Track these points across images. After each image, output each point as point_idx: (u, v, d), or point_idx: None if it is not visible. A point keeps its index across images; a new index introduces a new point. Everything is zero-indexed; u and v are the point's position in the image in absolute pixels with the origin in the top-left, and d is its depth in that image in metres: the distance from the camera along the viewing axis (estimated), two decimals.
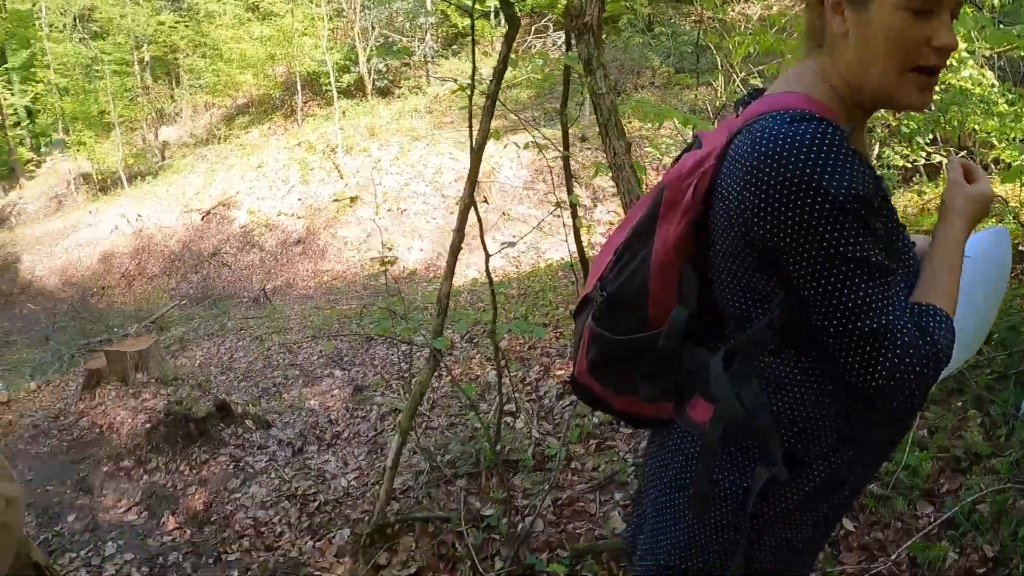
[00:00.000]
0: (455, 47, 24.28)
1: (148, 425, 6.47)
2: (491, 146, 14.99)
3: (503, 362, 3.98)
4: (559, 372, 5.46)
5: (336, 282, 15.02)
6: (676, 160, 1.46)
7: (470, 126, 3.96)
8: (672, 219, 1.39)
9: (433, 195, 16.38)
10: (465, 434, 4.74)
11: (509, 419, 4.75)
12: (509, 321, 5.30)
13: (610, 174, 3.53)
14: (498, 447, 4.16)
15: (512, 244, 4.24)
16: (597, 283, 1.55)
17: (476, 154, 3.79)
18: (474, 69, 4.00)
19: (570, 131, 4.93)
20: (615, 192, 13.28)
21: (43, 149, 32.87)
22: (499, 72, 3.81)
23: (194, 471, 5.59)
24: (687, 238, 1.38)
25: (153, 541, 4.80)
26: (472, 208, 3.83)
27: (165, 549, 4.67)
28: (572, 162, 14.79)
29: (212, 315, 13.11)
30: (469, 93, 3.99)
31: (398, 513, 4.07)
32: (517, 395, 5.14)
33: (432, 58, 23.99)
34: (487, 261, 4.05)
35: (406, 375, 6.27)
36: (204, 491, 5.22)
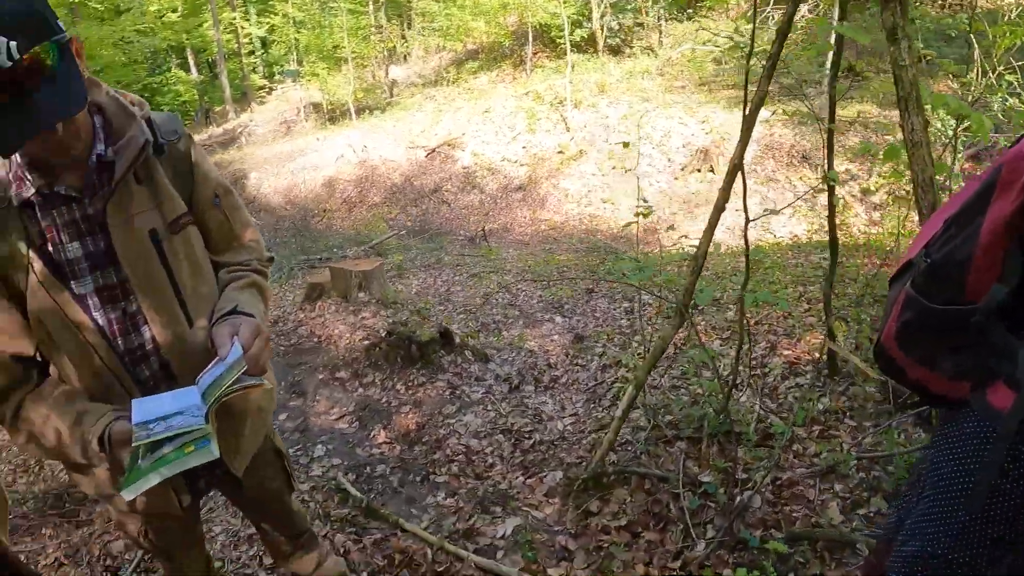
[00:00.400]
0: (689, 11, 23.85)
1: (367, 341, 6.70)
2: (723, 114, 14.72)
3: (744, 332, 3.87)
4: (785, 352, 5.30)
5: (553, 232, 15.11)
6: (1016, 142, 1.42)
7: (745, 87, 3.83)
8: (1008, 197, 1.37)
9: (659, 158, 16.19)
10: (687, 398, 4.66)
11: (732, 391, 4.64)
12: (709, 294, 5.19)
13: (899, 154, 3.34)
14: (723, 416, 4.08)
15: (775, 212, 4.10)
16: (922, 249, 1.54)
17: (750, 116, 3.66)
18: (754, 30, 3.84)
19: (808, 108, 4.72)
20: (857, 176, 12.80)
21: (276, 77, 34.57)
22: (782, 33, 3.65)
23: (410, 391, 5.74)
24: (1019, 217, 1.36)
25: (362, 451, 4.97)
26: (740, 171, 3.71)
27: (373, 460, 4.83)
28: (803, 143, 14.29)
29: (429, 248, 13.44)
30: (748, 52, 3.85)
31: (616, 464, 4.05)
32: (742, 368, 5.02)
33: (666, 20, 23.61)
34: (746, 226, 3.94)
35: (627, 331, 6.25)
36: (418, 412, 5.36)
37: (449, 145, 19.28)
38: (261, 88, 34.11)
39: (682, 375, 5.08)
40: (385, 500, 4.32)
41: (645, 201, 4.57)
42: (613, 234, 14.16)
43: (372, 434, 5.17)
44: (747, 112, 3.62)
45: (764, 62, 3.68)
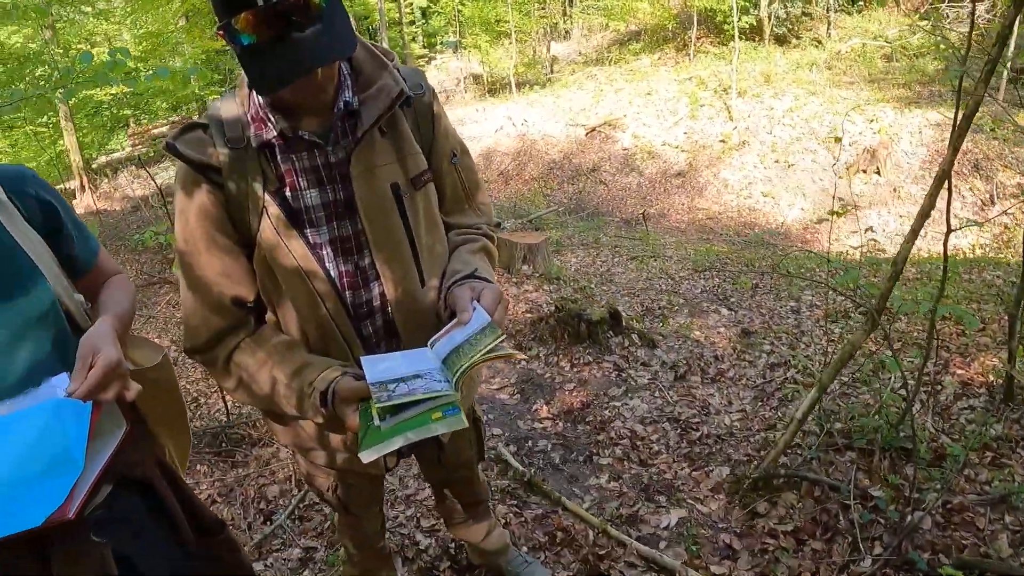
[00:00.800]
0: (859, 3, 23.03)
1: (531, 315, 6.74)
2: (893, 114, 14.18)
3: (933, 347, 3.73)
4: (959, 371, 5.10)
5: (710, 222, 14.93)
6: None
7: (959, 90, 3.66)
8: None
9: (824, 155, 15.77)
10: (860, 406, 4.53)
11: (902, 405, 4.48)
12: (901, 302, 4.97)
13: None
14: (898, 430, 3.95)
15: (979, 224, 3.94)
16: None
17: (964, 121, 3.50)
18: (971, 31, 3.67)
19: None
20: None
21: (437, 47, 35.07)
22: (1002, 36, 3.47)
23: (575, 369, 5.72)
24: None
25: (523, 424, 4.98)
26: (948, 180, 3.57)
27: (534, 434, 4.83)
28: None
29: (587, 227, 13.42)
30: (963, 55, 3.68)
31: (787, 467, 3.98)
32: (912, 382, 4.86)
33: (835, 11, 22.87)
34: (947, 236, 3.79)
35: (794, 330, 6.12)
36: (583, 391, 5.34)
37: (610, 125, 19.19)
38: (420, 57, 34.65)
39: (854, 381, 4.95)
40: (546, 476, 4.34)
41: (841, 199, 4.42)
42: (771, 229, 13.87)
43: (534, 408, 5.19)
44: (959, 118, 3.47)
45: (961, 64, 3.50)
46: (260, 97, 1.75)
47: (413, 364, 1.70)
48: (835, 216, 4.38)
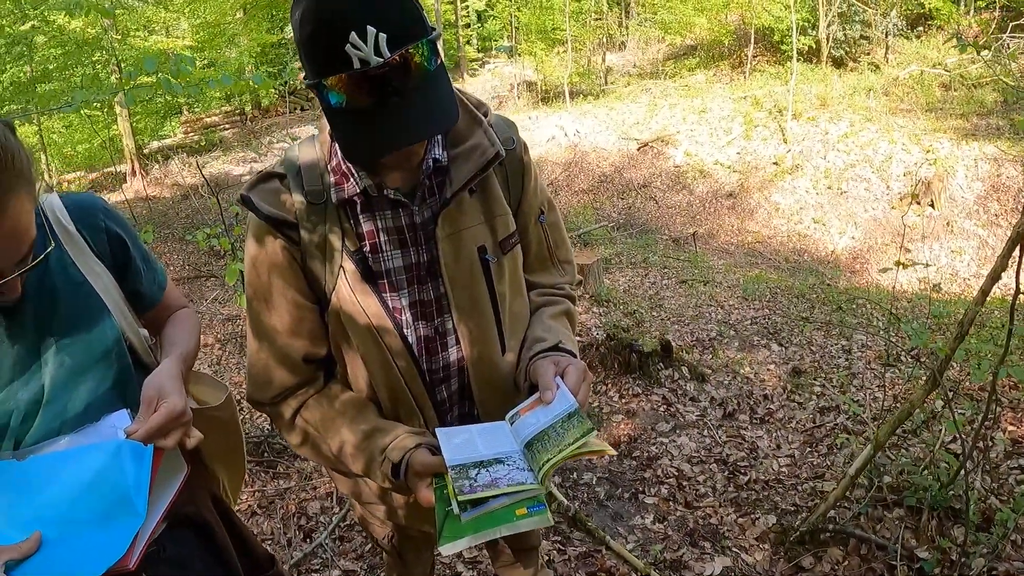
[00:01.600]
0: (919, 29, 22.73)
1: (580, 339, 6.68)
2: (950, 146, 13.91)
3: (992, 409, 3.64)
4: (1010, 427, 4.97)
5: (759, 245, 14.80)
6: None
7: None
8: None
9: (877, 184, 15.60)
10: (908, 462, 4.42)
11: (953, 462, 4.37)
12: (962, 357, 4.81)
13: None
14: (949, 490, 3.85)
15: None
16: None
17: None
18: None
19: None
20: None
21: (492, 52, 35.20)
22: None
23: (623, 401, 5.65)
24: None
25: None
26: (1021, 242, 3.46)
27: (579, 466, 4.77)
28: None
29: (636, 244, 13.35)
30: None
31: (835, 522, 3.90)
32: (968, 440, 4.74)
33: (894, 35, 22.57)
34: (1015, 298, 3.67)
35: (845, 371, 6.02)
36: (631, 424, 5.27)
37: (662, 141, 19.12)
38: (474, 60, 34.80)
39: (905, 432, 4.84)
40: (589, 511, 4.30)
41: (908, 252, 4.32)
42: (821, 257, 13.73)
43: None
44: None
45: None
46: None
47: (492, 443, 1.62)
48: (900, 267, 4.28)
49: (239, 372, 6.71)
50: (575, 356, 1.80)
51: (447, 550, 1.44)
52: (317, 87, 1.44)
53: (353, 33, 1.35)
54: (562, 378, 1.67)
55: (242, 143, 24.29)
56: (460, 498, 1.46)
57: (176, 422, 1.62)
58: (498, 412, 1.75)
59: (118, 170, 20.62)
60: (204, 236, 7.20)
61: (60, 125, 23.04)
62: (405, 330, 1.78)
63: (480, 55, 36.20)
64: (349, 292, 1.71)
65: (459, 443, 1.62)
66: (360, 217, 1.71)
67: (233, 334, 7.82)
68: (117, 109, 20.05)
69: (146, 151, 23.12)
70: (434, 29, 1.47)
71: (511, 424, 1.69)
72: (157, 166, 21.29)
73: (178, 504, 1.86)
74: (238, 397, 5.71)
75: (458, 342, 1.84)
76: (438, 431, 1.66)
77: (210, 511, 2.10)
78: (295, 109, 29.48)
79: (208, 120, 28.16)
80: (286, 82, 25.02)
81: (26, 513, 1.57)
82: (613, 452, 1.52)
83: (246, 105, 29.92)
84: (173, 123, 27.96)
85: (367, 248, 1.73)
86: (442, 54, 1.59)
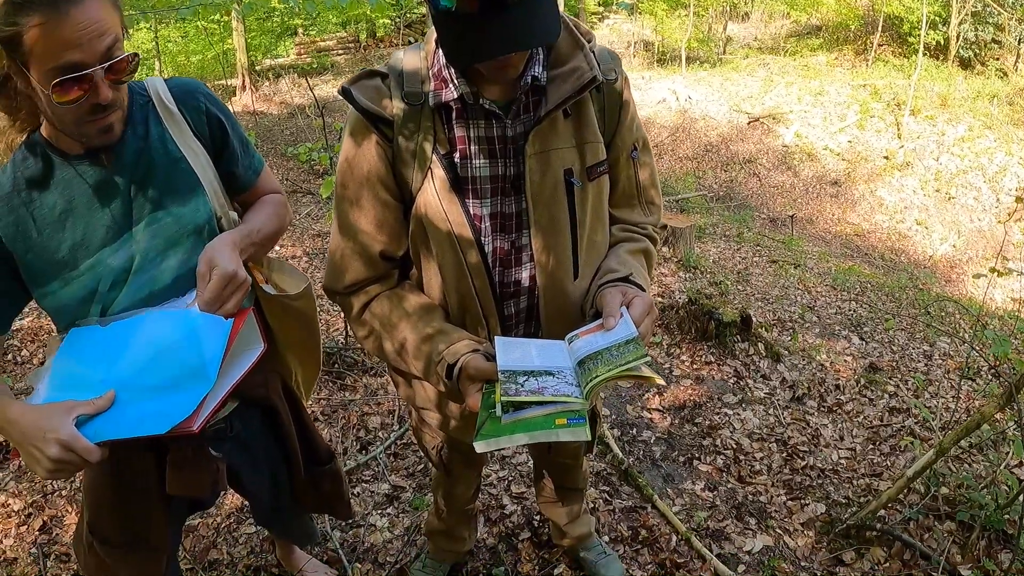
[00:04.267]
0: None
1: (662, 299, 6.65)
2: None
3: None
4: None
5: (857, 239, 14.45)
6: None
7: None
8: None
9: (988, 194, 15.11)
10: (969, 476, 4.29)
11: (1014, 484, 4.24)
12: None
13: None
14: (1005, 513, 3.74)
15: None
16: None
17: None
18: None
19: None
20: None
21: (613, 6, 34.69)
22: None
23: (695, 367, 5.62)
24: None
25: (632, 410, 4.91)
26: None
27: (640, 423, 4.78)
28: None
29: (732, 218, 13.14)
30: None
31: (884, 521, 3.84)
32: None
33: None
34: None
35: (923, 374, 5.88)
36: (698, 390, 5.24)
37: (773, 118, 18.69)
38: (594, 14, 34.28)
39: (971, 446, 4.71)
40: (642, 468, 4.31)
41: (1006, 261, 4.16)
42: (918, 260, 13.37)
43: (645, 396, 5.11)
44: None
45: None
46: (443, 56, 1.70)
47: (548, 358, 1.65)
48: (995, 274, 4.15)
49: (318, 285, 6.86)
50: (644, 291, 1.81)
51: (480, 447, 1.47)
52: None
53: None
54: (627, 308, 1.68)
55: (353, 69, 24.48)
56: (503, 399, 1.49)
57: (231, 287, 1.69)
58: (562, 335, 1.77)
59: (229, 84, 20.97)
60: (306, 150, 7.34)
61: (177, 35, 23.47)
62: (483, 238, 1.83)
63: (600, 9, 35.63)
64: (435, 196, 1.77)
65: (516, 354, 1.65)
66: (454, 124, 1.76)
67: (321, 249, 7.96)
68: (233, 24, 20.31)
69: (258, 68, 23.41)
70: None
71: (569, 344, 1.71)
72: (267, 83, 21.56)
73: (251, 386, 1.94)
74: (320, 302, 5.85)
75: (532, 259, 1.88)
76: (497, 339, 1.72)
77: (280, 398, 2.18)
78: (409, 41, 29.59)
79: (322, 44, 28.36)
80: (404, 13, 25.06)
81: (105, 374, 1.65)
82: (662, 382, 1.52)
83: (361, 33, 30.00)
84: (287, 43, 28.27)
85: (456, 154, 1.77)
86: (560, 4, 1.60)
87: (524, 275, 1.92)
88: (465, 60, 1.57)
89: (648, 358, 1.51)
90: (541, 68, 1.74)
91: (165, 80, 1.86)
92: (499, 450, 3.23)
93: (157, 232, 1.78)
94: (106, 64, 1.51)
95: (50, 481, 3.84)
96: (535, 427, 1.46)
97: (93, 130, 1.61)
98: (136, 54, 1.59)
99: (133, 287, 1.77)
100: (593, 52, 1.79)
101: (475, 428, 1.51)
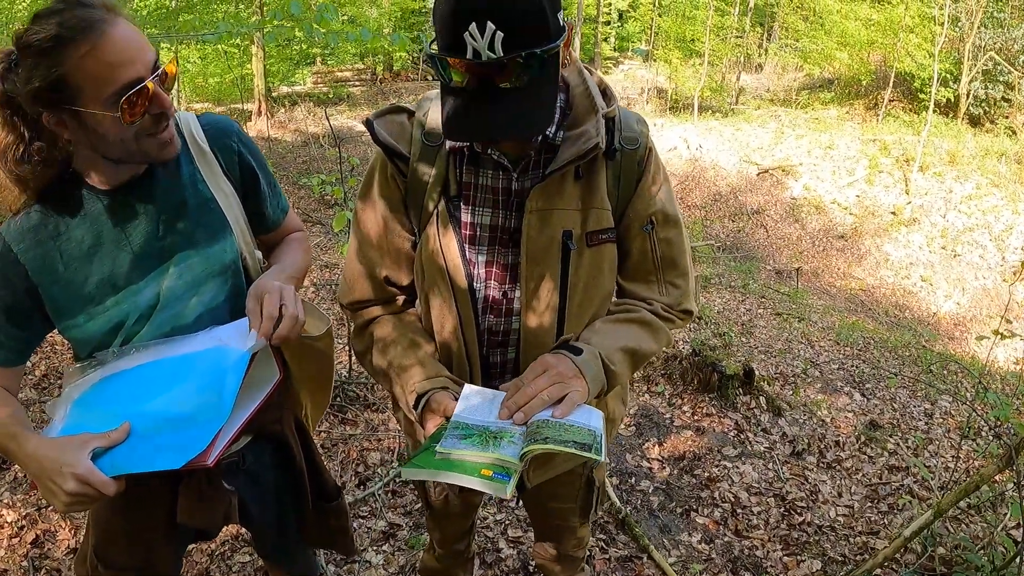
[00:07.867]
0: None
1: (664, 350, 6.66)
2: None
3: None
4: None
5: (862, 294, 14.50)
6: None
7: None
8: None
9: (993, 253, 15.15)
10: (966, 537, 4.28)
11: (1008, 546, 4.23)
12: None
13: None
14: None
15: None
16: None
17: None
18: None
19: None
20: None
21: (628, 53, 35.04)
22: None
23: (695, 418, 5.64)
24: None
25: (631, 459, 4.92)
26: None
27: (639, 472, 4.78)
28: None
29: (738, 269, 13.19)
30: None
31: None
32: None
33: None
34: None
35: (923, 433, 5.89)
36: (698, 441, 5.26)
37: (783, 170, 18.83)
38: (609, 59, 34.69)
39: (969, 507, 4.71)
40: (639, 518, 4.31)
41: (1009, 324, 4.19)
42: (922, 317, 13.39)
43: (645, 445, 5.13)
44: None
45: None
46: None
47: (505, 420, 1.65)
48: (999, 337, 4.17)
49: (330, 316, 6.89)
50: (578, 353, 1.78)
51: (406, 474, 1.54)
52: (433, 57, 1.53)
53: (474, 24, 1.42)
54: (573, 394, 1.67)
55: (369, 101, 24.71)
56: (439, 448, 1.52)
57: (285, 300, 1.71)
58: None
59: (245, 108, 21.14)
60: (319, 182, 7.38)
61: (196, 56, 23.71)
62: (476, 284, 1.86)
63: (616, 54, 36.10)
64: (436, 235, 1.81)
65: (475, 404, 1.69)
66: (465, 168, 1.80)
67: (329, 281, 8.01)
68: (253, 50, 20.53)
69: (275, 94, 23.64)
70: (561, 34, 1.53)
71: None
72: (283, 110, 21.76)
73: (266, 421, 1.97)
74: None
75: (519, 315, 1.89)
76: (466, 386, 1.75)
77: (292, 433, 2.20)
78: (426, 77, 29.85)
79: (339, 74, 28.65)
80: (422, 49, 25.33)
81: (121, 406, 1.67)
82: (604, 459, 1.53)
83: (378, 66, 30.31)
84: (304, 72, 28.56)
85: (462, 200, 1.81)
86: (576, 49, 1.63)
87: (513, 327, 1.92)
88: (451, 134, 1.61)
89: (595, 456, 1.49)
90: (556, 128, 1.75)
91: (198, 116, 1.88)
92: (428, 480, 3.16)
93: (184, 271, 1.80)
94: (156, 74, 1.55)
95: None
96: (461, 470, 1.49)
97: (155, 145, 1.63)
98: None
99: (156, 323, 1.79)
100: (617, 118, 1.80)
101: (468, 491, 1.54)
